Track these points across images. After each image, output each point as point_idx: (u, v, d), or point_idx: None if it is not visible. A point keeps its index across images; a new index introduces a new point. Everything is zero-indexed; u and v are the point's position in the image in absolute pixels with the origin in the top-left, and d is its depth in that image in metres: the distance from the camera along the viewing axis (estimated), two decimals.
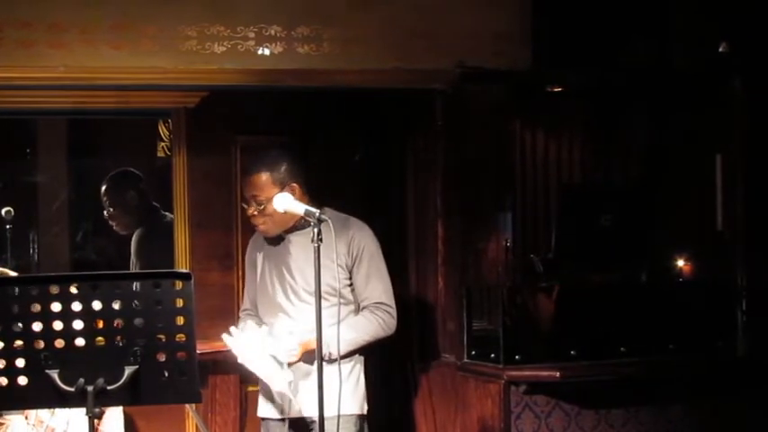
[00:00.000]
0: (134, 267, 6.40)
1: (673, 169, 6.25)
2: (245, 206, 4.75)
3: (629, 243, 5.82)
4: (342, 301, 4.58)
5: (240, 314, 5.09)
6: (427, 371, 5.90)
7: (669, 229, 6.08)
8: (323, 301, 4.19)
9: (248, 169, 4.79)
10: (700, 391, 5.65)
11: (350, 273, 4.73)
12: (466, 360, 5.64)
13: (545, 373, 5.32)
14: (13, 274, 5.01)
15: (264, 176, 4.65)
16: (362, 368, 4.79)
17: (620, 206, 5.82)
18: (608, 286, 5.83)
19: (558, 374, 5.27)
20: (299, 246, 4.68)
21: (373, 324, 4.68)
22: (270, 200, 4.56)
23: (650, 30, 6.16)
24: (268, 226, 4.71)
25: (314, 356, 4.19)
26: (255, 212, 4.68)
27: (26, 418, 4.72)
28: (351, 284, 4.74)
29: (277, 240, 4.78)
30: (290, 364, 4.55)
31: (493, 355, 5.47)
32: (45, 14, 5.37)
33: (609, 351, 5.52)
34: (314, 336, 4.14)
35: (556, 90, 6.10)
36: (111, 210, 6.49)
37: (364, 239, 4.74)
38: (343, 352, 4.49)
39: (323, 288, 4.22)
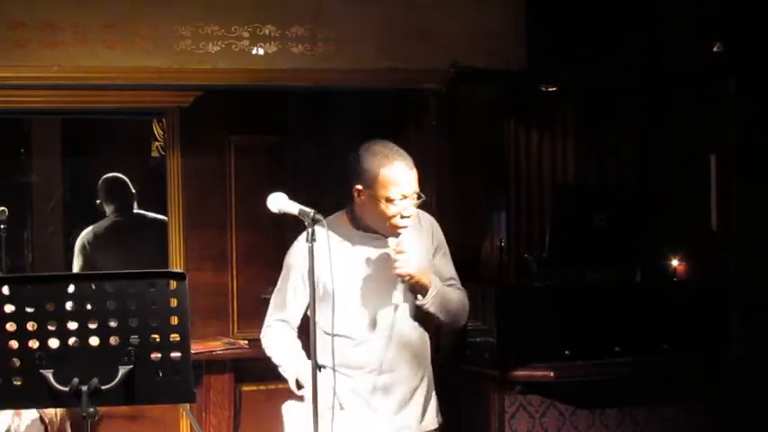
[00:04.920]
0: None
1: (667, 169, 6.26)
2: (393, 207, 4.05)
3: (624, 243, 5.82)
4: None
5: (270, 320, 4.28)
6: None
7: (663, 228, 6.09)
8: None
9: (402, 166, 4.11)
10: (694, 390, 5.66)
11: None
12: (460, 360, 5.64)
13: (539, 373, 5.32)
14: None
15: (415, 168, 4.18)
16: None
17: (614, 206, 5.83)
18: (602, 286, 5.83)
19: (552, 374, 5.28)
20: (382, 247, 4.14)
21: (466, 300, 4.38)
22: None
23: (644, 30, 6.16)
24: None
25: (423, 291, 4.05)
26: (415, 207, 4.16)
27: None
28: None
29: (348, 247, 4.18)
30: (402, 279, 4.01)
31: (487, 356, 5.47)
32: (39, 14, 5.37)
33: (603, 351, 5.52)
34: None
35: (549, 90, 6.11)
36: None
37: (439, 229, 4.45)
38: (433, 303, 4.12)
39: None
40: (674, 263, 5.95)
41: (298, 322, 4.23)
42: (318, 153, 6.06)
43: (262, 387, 5.87)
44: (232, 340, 5.88)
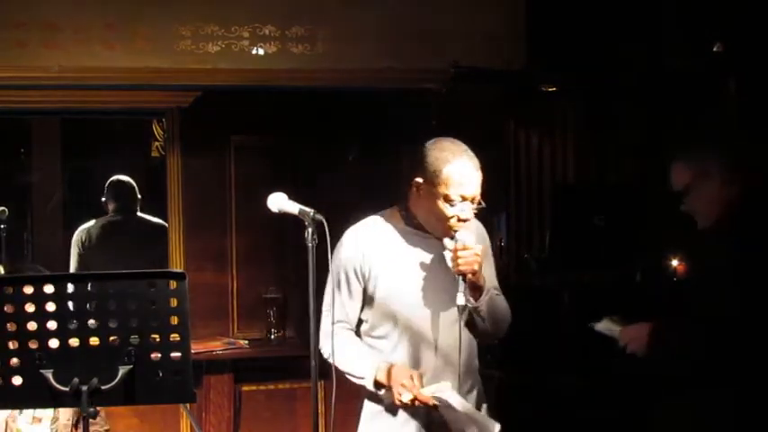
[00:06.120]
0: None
1: (667, 169, 6.25)
2: (450, 208, 3.89)
3: (623, 242, 5.82)
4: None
5: (329, 325, 3.91)
6: None
7: (663, 228, 6.08)
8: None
9: (469, 165, 3.93)
10: (694, 390, 5.65)
11: None
12: None
13: (539, 373, 5.33)
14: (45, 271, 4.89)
15: (480, 171, 3.96)
16: None
17: (613, 206, 5.83)
18: (602, 286, 5.83)
19: (551, 374, 5.28)
20: (433, 248, 4.00)
21: (509, 310, 4.26)
22: None
23: (644, 30, 6.16)
24: None
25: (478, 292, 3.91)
26: (476, 211, 3.97)
27: None
28: None
29: (400, 245, 4.02)
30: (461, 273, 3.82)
31: (488, 356, 5.47)
32: (39, 14, 5.37)
33: (603, 351, 5.52)
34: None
35: (549, 90, 6.11)
36: None
37: (487, 236, 4.26)
38: (486, 305, 3.99)
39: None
40: (674, 263, 5.94)
41: (356, 321, 4.04)
42: (318, 153, 6.06)
43: (262, 387, 5.88)
44: (232, 340, 5.88)
